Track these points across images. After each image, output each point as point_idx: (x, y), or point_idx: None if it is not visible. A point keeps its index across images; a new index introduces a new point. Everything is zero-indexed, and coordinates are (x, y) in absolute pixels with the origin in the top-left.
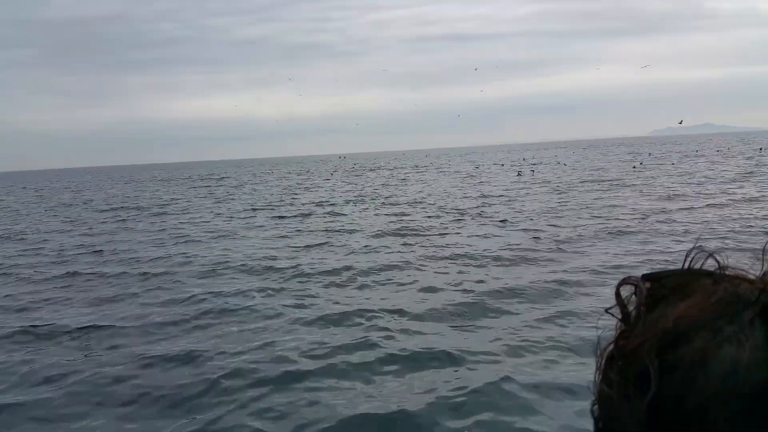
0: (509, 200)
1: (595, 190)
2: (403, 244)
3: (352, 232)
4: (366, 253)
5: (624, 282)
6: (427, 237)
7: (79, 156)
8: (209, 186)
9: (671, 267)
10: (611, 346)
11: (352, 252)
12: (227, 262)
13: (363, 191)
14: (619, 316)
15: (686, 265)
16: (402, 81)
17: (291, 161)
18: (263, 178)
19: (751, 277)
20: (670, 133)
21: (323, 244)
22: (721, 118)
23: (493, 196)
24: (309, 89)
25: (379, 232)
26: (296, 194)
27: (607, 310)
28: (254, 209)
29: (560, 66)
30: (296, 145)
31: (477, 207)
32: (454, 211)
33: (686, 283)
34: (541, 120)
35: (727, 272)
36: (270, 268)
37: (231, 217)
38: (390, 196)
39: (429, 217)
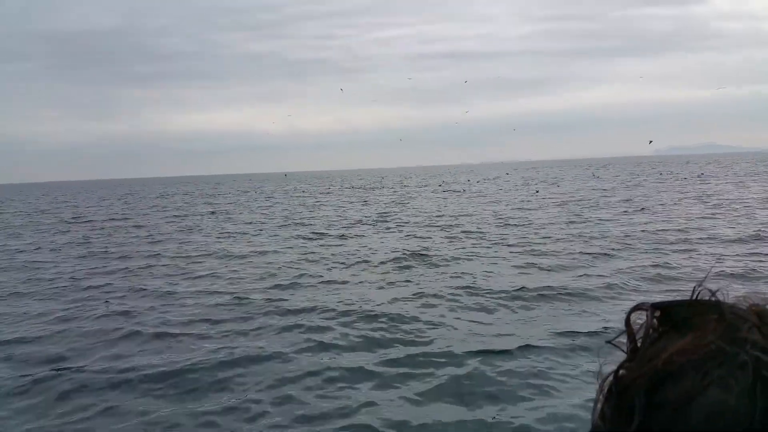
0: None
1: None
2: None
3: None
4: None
5: (636, 309)
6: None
7: (80, 169)
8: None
9: (681, 298)
10: (611, 377)
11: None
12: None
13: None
14: (627, 344)
15: (694, 296)
16: (404, 97)
17: (297, 177)
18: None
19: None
20: (673, 152)
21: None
22: (726, 137)
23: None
24: (313, 105)
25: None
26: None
27: (609, 342)
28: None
29: (562, 85)
30: (299, 160)
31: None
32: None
33: (692, 315)
34: (543, 138)
35: (734, 308)
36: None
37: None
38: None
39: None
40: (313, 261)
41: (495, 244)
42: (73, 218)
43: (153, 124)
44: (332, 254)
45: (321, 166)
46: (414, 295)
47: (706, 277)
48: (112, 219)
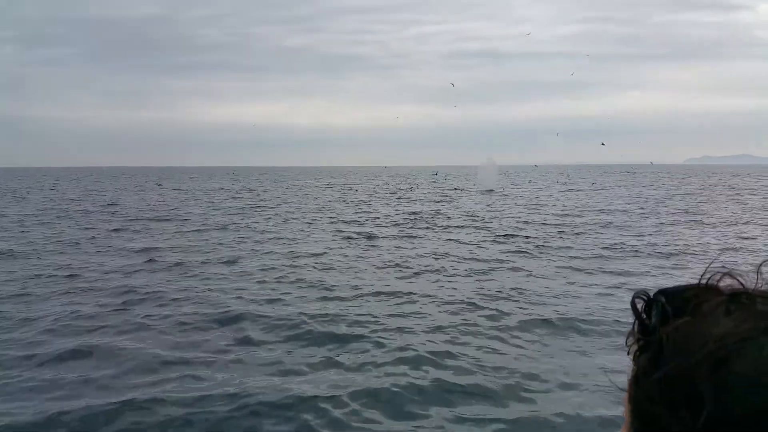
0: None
1: None
2: None
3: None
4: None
5: (638, 295)
6: None
7: (117, 155)
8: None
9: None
10: (645, 362)
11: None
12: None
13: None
14: (637, 328)
15: (703, 282)
16: (439, 96)
17: (331, 171)
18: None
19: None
20: (706, 162)
21: None
22: (762, 149)
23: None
24: (347, 100)
25: None
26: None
27: (628, 340)
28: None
29: (598, 89)
30: (331, 155)
31: None
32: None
33: (702, 299)
34: (576, 142)
35: (743, 290)
36: None
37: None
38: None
39: None
40: None
41: None
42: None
43: (188, 114)
44: None
45: (353, 161)
46: None
47: (709, 265)
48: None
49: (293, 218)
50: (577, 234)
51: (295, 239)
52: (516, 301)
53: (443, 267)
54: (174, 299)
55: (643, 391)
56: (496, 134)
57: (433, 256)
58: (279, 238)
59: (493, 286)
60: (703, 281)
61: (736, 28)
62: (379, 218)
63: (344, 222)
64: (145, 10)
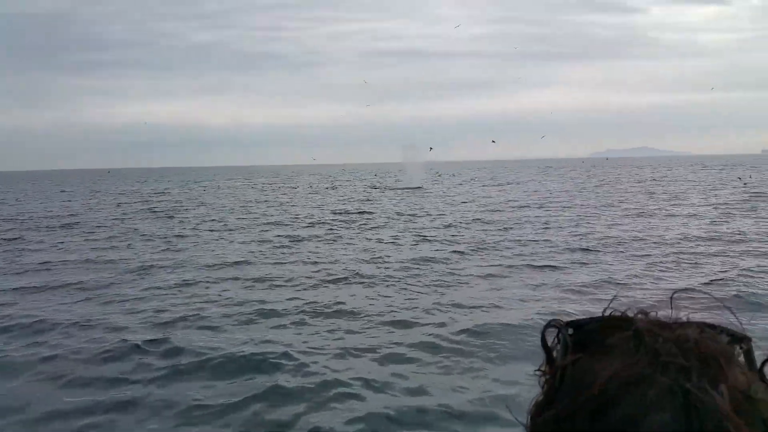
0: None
1: None
2: None
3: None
4: None
5: (550, 325)
6: None
7: (13, 159)
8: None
9: (594, 315)
10: (541, 397)
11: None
12: None
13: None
14: (545, 364)
15: (606, 313)
16: (355, 95)
17: (248, 171)
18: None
19: (670, 322)
20: (610, 156)
21: None
22: (660, 143)
23: None
24: (261, 99)
25: None
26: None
27: (538, 370)
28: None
29: (510, 87)
30: (247, 154)
31: None
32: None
33: (606, 332)
34: (488, 139)
35: (647, 323)
36: None
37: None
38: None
39: None
40: None
41: None
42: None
43: (92, 115)
44: None
45: (270, 160)
46: None
47: (615, 296)
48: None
49: (210, 222)
50: (506, 229)
51: (213, 246)
52: (448, 307)
53: (371, 272)
54: (66, 325)
55: (537, 428)
56: (417, 132)
57: (360, 260)
58: (194, 244)
59: (424, 291)
60: (614, 312)
61: (633, 30)
62: (301, 218)
63: (266, 224)
64: (44, 5)
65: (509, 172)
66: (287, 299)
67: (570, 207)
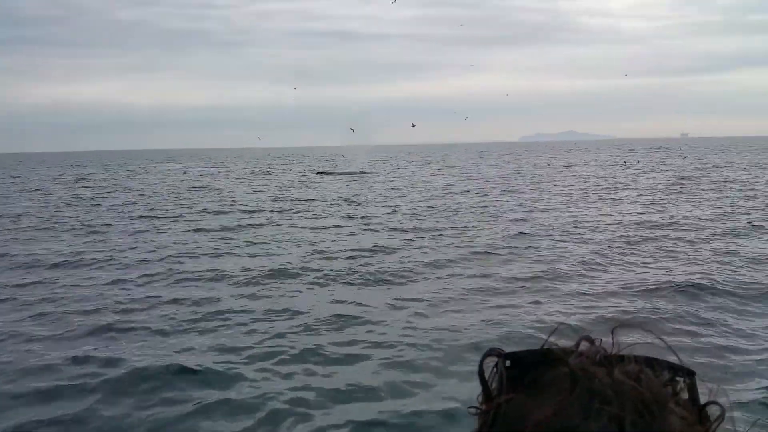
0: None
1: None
2: None
3: None
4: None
5: (489, 354)
6: None
7: None
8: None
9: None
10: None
11: None
12: None
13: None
14: (482, 392)
15: (545, 346)
16: (286, 76)
17: (178, 155)
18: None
19: (611, 355)
20: (539, 139)
21: None
22: (584, 126)
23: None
24: (190, 79)
25: None
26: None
27: (472, 408)
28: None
29: (441, 71)
30: (177, 137)
31: None
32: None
33: (543, 368)
34: (420, 123)
35: (582, 362)
36: None
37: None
38: None
39: None
40: None
41: None
42: None
43: (6, 96)
44: None
45: (202, 143)
46: None
47: (556, 328)
48: None
49: (140, 210)
50: (448, 217)
51: (144, 237)
52: (393, 302)
53: (314, 266)
54: None
55: None
56: (350, 115)
57: (301, 254)
58: (124, 234)
59: (368, 284)
60: (553, 345)
61: (558, 14)
62: (237, 206)
63: (201, 212)
64: None
65: (445, 156)
66: (226, 297)
67: (509, 191)
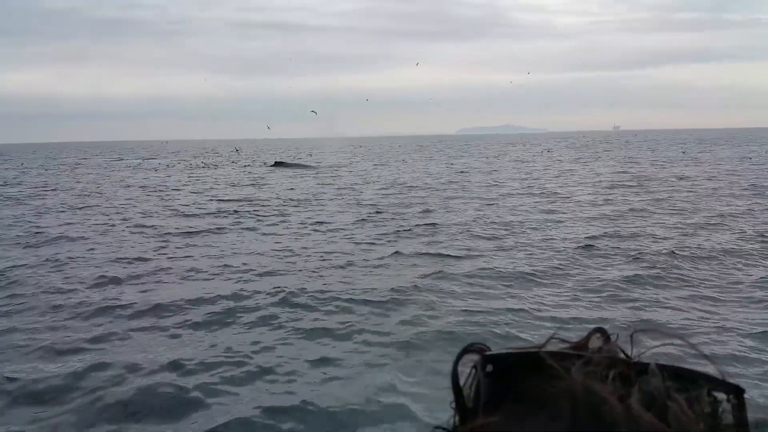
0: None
1: None
2: None
3: None
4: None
5: (464, 353)
6: None
7: None
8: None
9: (515, 345)
10: None
11: None
12: None
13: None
14: (455, 404)
15: (527, 349)
16: (226, 67)
17: (112, 147)
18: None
19: (629, 362)
20: (476, 132)
21: None
22: (520, 119)
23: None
24: (127, 69)
25: None
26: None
27: (437, 430)
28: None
29: (382, 63)
30: (110, 129)
31: None
32: None
33: (532, 377)
34: (362, 115)
35: (589, 368)
36: None
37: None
38: None
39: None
40: None
41: None
42: None
43: None
44: None
45: (136, 135)
46: None
47: (549, 339)
48: None
49: (64, 208)
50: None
51: (76, 241)
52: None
53: (284, 289)
54: None
55: None
56: (290, 106)
57: (265, 270)
58: (56, 239)
59: (337, 288)
60: (548, 343)
61: (495, 9)
62: (180, 207)
63: (134, 215)
64: None
65: (391, 150)
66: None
67: (468, 187)
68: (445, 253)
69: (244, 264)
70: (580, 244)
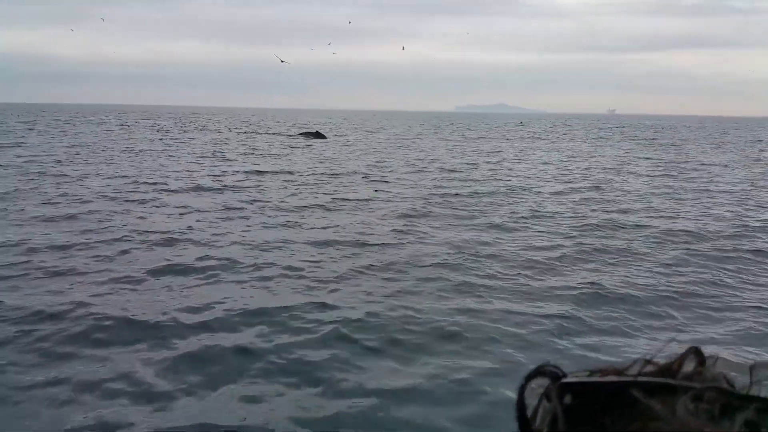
0: None
1: None
2: None
3: None
4: None
5: (536, 375)
6: None
7: None
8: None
9: (600, 367)
10: None
11: None
12: None
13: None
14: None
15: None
16: (221, 33)
17: (106, 110)
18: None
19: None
20: (471, 111)
21: None
22: (515, 99)
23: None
24: (119, 31)
25: None
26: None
27: None
28: None
29: (379, 37)
30: (103, 91)
31: None
32: None
33: (622, 409)
34: (359, 89)
35: (692, 401)
36: None
37: None
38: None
39: None
40: None
41: None
42: None
43: None
44: None
45: (128, 99)
46: None
47: (634, 362)
48: None
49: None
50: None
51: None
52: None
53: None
54: None
55: None
56: (292, 77)
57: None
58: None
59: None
60: (648, 371)
61: None
62: (174, 181)
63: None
64: None
65: (393, 125)
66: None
67: (475, 168)
68: None
69: None
70: None
